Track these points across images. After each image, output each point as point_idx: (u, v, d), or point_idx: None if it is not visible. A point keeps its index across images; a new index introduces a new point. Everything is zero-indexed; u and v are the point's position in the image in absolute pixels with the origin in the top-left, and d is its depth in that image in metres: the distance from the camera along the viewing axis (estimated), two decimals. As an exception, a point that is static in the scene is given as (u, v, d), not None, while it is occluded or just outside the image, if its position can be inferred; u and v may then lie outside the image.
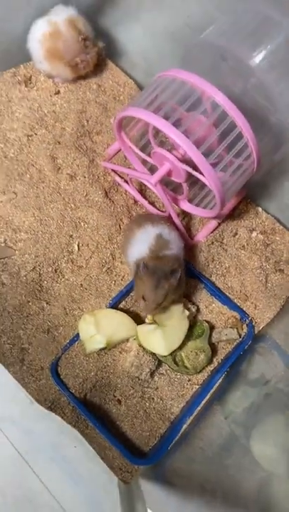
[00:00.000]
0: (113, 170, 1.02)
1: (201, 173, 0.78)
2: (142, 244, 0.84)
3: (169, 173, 0.88)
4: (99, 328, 0.82)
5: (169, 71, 0.80)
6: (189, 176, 0.85)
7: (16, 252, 0.89)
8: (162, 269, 0.78)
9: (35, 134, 0.99)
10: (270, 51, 0.77)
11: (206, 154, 0.76)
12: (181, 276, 0.80)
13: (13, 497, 0.81)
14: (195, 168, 0.80)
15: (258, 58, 0.77)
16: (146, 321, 0.88)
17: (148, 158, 0.91)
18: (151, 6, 0.97)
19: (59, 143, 1.00)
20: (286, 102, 0.77)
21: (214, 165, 0.77)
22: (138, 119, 0.94)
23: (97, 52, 1.01)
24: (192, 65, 0.87)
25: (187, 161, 0.83)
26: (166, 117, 0.76)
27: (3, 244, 0.89)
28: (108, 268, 0.94)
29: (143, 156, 0.91)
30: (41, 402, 0.79)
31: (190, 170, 0.80)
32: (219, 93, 0.74)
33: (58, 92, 1.04)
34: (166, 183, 0.94)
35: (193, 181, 0.94)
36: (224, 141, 0.79)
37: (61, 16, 0.96)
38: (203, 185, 0.99)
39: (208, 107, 0.79)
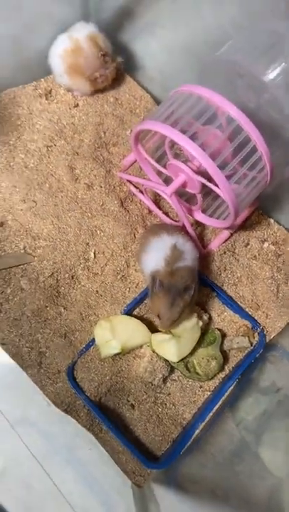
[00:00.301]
0: (129, 180, 1.05)
1: (215, 184, 0.80)
2: (157, 253, 0.87)
3: (183, 185, 0.91)
4: (114, 333, 0.85)
5: (186, 86, 0.83)
6: (203, 187, 0.87)
7: (35, 258, 0.92)
8: (176, 286, 0.80)
9: (55, 145, 1.03)
10: (283, 68, 0.79)
11: (221, 167, 0.79)
12: (194, 289, 0.82)
13: (27, 500, 0.83)
14: (209, 179, 0.83)
15: (272, 75, 0.79)
16: (160, 329, 0.90)
17: (163, 170, 0.93)
18: (167, 22, 1.00)
19: (77, 154, 1.03)
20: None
21: (229, 177, 0.79)
22: (154, 132, 0.98)
23: (116, 67, 1.05)
24: (208, 80, 0.90)
25: (202, 173, 0.86)
26: (183, 131, 0.79)
27: (22, 251, 0.92)
28: (123, 275, 0.97)
29: (158, 167, 0.94)
30: (58, 405, 0.81)
31: (205, 181, 0.82)
32: (234, 108, 0.77)
33: (76, 105, 1.08)
34: (180, 193, 0.97)
35: (206, 192, 0.96)
36: (239, 154, 0.81)
37: (82, 33, 1.00)
38: (217, 196, 1.01)
39: (224, 121, 0.82)
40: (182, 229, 0.95)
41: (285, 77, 0.80)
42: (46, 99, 1.07)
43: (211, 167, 0.75)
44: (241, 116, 0.77)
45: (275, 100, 0.82)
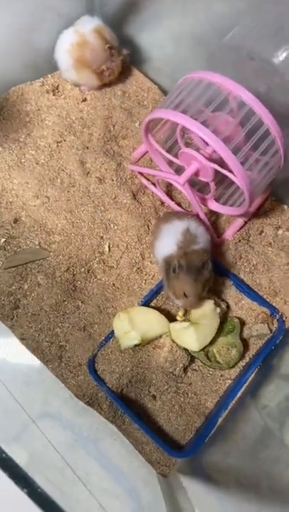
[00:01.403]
0: (140, 173, 1.05)
1: (228, 171, 0.80)
2: (169, 238, 0.87)
3: (196, 173, 0.90)
4: (133, 324, 0.84)
5: (195, 73, 0.83)
6: (216, 175, 0.87)
7: (51, 253, 0.92)
8: (195, 263, 0.82)
9: (64, 141, 1.03)
10: (294, 50, 0.78)
11: (234, 153, 0.78)
12: (210, 267, 0.84)
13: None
14: (221, 167, 0.82)
15: (282, 57, 0.78)
16: (178, 318, 0.90)
17: (175, 160, 0.93)
18: (173, 10, 1.00)
19: (87, 148, 1.03)
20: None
21: (241, 164, 0.79)
22: (164, 121, 0.97)
23: (122, 60, 1.05)
24: (216, 67, 0.90)
25: (214, 160, 0.85)
26: (193, 119, 0.78)
27: (37, 247, 0.92)
28: (138, 268, 0.97)
29: (170, 157, 0.94)
30: (80, 398, 0.82)
31: (219, 168, 0.82)
32: (246, 91, 0.76)
33: (84, 100, 1.08)
34: (192, 183, 0.96)
35: (218, 181, 0.96)
36: (251, 139, 0.81)
37: (88, 26, 1.00)
38: (229, 185, 1.00)
39: (235, 106, 0.81)
40: (194, 215, 0.95)
41: (295, 58, 0.79)
42: (54, 94, 1.07)
43: (224, 152, 0.75)
44: (253, 100, 0.76)
45: (286, 82, 0.81)
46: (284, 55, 0.79)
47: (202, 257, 0.83)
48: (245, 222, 1.04)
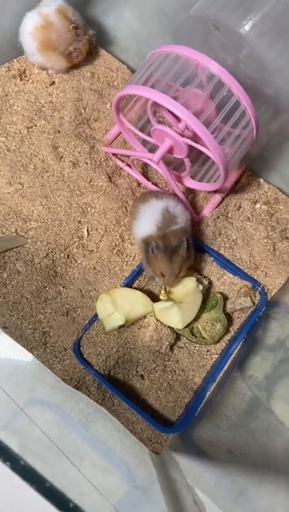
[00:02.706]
0: (114, 154, 1.03)
1: (202, 145, 0.79)
2: (148, 219, 0.87)
3: (170, 151, 0.89)
4: (116, 306, 0.84)
5: (162, 47, 0.82)
6: (190, 151, 0.86)
7: (28, 240, 0.91)
8: (171, 243, 0.83)
9: (35, 126, 1.01)
10: (259, 18, 0.78)
11: (205, 126, 0.77)
12: (189, 245, 0.84)
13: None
14: (195, 142, 0.82)
15: (248, 26, 0.78)
16: (161, 297, 0.90)
17: (148, 138, 0.92)
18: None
19: (59, 132, 1.01)
20: (280, 68, 0.78)
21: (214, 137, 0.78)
22: (135, 100, 0.96)
23: (89, 40, 1.03)
24: (183, 41, 0.89)
25: (187, 137, 0.85)
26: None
27: (14, 234, 0.90)
28: (118, 250, 0.96)
29: (142, 136, 0.93)
30: (68, 382, 0.81)
31: (191, 143, 0.81)
32: (213, 62, 0.76)
33: (52, 83, 1.05)
34: (167, 162, 0.95)
35: (193, 159, 0.95)
36: (221, 111, 0.80)
37: (51, 7, 0.98)
38: (204, 161, 1.00)
39: (204, 78, 0.80)
40: (172, 194, 0.94)
41: (262, 27, 0.78)
42: (21, 79, 1.04)
43: (196, 125, 0.74)
44: (222, 71, 0.76)
45: (254, 53, 0.81)
46: (249, 24, 0.79)
47: (179, 237, 0.83)
48: (223, 199, 1.04)
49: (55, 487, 0.40)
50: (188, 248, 0.83)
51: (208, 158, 0.99)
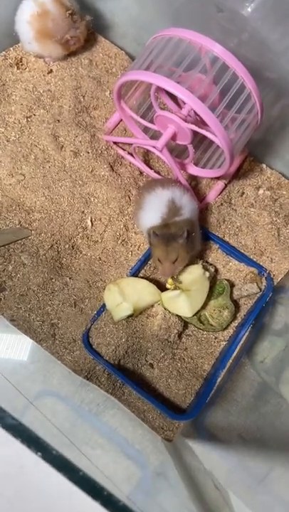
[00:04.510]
0: (115, 143, 1.02)
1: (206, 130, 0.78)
2: (153, 210, 0.86)
3: (173, 138, 0.88)
4: (124, 295, 0.84)
5: (164, 31, 0.80)
6: (194, 137, 0.85)
7: (32, 232, 0.90)
8: (169, 232, 0.82)
9: (34, 115, 0.99)
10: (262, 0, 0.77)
11: (210, 111, 0.76)
12: (192, 235, 0.83)
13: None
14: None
15: (250, 8, 0.77)
16: (168, 286, 0.90)
17: (150, 125, 0.91)
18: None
19: (58, 121, 1.00)
20: (284, 49, 0.77)
21: (219, 121, 0.77)
22: (136, 86, 0.95)
23: (86, 26, 1.01)
24: (183, 24, 0.87)
25: (190, 123, 0.83)
26: (167, 78, 0.76)
27: (18, 226, 0.89)
28: (123, 240, 0.95)
29: (145, 123, 0.91)
30: (78, 373, 0.81)
31: (196, 128, 0.80)
32: (217, 45, 0.74)
33: (50, 71, 1.03)
34: (169, 150, 0.94)
35: (195, 145, 0.94)
36: (226, 97, 0.79)
37: (46, -6, 0.95)
38: (206, 148, 0.99)
39: (207, 62, 0.79)
40: (178, 182, 0.93)
41: (265, 9, 0.77)
42: (18, 68, 1.02)
43: (201, 109, 0.73)
44: (226, 54, 0.75)
45: (257, 35, 0.80)
46: (252, 6, 0.77)
47: (179, 227, 0.82)
48: (226, 185, 1.03)
49: (88, 476, 0.40)
50: (190, 238, 0.82)
51: (210, 144, 0.99)
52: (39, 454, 0.39)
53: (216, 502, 0.55)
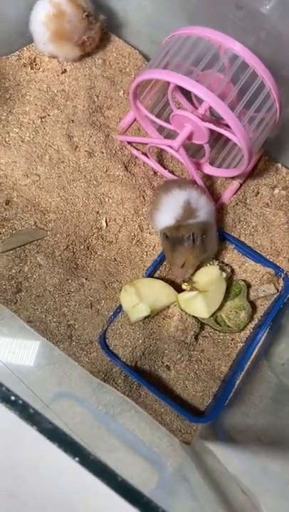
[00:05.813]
0: (129, 143, 1.01)
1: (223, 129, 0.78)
2: (169, 211, 0.85)
3: (189, 137, 0.87)
4: (141, 296, 0.83)
5: (181, 29, 0.79)
6: (210, 136, 0.84)
7: (48, 232, 0.89)
8: (177, 236, 0.81)
9: (48, 115, 0.98)
10: (282, -3, 0.76)
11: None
12: (206, 237, 0.83)
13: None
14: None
15: (270, 5, 0.76)
16: (184, 287, 0.89)
17: (167, 125, 0.90)
18: None
19: (73, 121, 0.99)
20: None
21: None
22: (151, 86, 0.94)
23: (100, 26, 1.00)
24: (199, 22, 0.86)
25: (207, 121, 0.83)
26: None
27: (34, 227, 0.89)
28: (138, 240, 0.95)
29: (160, 122, 0.90)
30: (95, 374, 0.80)
31: (214, 127, 0.79)
32: (237, 43, 0.73)
33: (64, 71, 1.03)
34: (184, 149, 0.94)
35: (210, 145, 0.93)
36: (245, 96, 0.78)
37: (61, -5, 0.94)
38: (222, 147, 0.98)
39: (226, 61, 0.78)
40: (194, 182, 0.92)
41: (285, 6, 0.76)
42: (32, 68, 1.01)
43: (221, 107, 0.72)
44: (245, 52, 0.74)
45: (276, 33, 0.79)
46: (272, 2, 0.76)
47: (188, 230, 0.81)
48: (241, 185, 1.02)
49: (126, 482, 0.39)
50: (198, 241, 0.81)
51: (225, 143, 0.98)
52: (76, 459, 0.39)
53: (244, 507, 0.54)
